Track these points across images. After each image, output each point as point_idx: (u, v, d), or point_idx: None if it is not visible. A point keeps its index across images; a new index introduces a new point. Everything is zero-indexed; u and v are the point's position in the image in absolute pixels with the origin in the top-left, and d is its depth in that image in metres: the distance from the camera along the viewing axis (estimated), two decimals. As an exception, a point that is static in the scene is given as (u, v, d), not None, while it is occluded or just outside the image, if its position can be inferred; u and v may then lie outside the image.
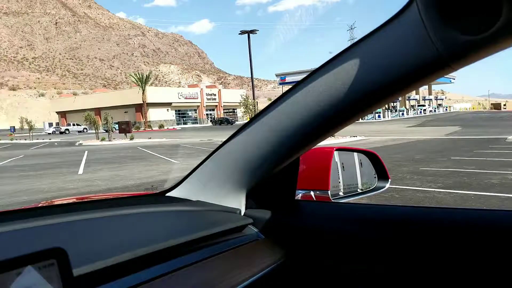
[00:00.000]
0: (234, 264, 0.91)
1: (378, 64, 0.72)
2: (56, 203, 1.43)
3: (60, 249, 0.51)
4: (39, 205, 1.39)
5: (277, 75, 48.06)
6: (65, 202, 1.54)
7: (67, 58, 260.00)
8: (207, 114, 72.38)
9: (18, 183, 10.60)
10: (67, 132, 58.88)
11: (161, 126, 56.79)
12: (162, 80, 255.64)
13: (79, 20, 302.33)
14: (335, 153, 1.48)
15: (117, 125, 36.66)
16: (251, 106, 25.11)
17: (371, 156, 1.78)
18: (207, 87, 75.35)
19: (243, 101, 25.72)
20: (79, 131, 59.33)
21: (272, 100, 0.96)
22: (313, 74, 0.83)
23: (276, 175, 1.09)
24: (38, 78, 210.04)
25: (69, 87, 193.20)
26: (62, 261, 0.51)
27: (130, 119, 50.04)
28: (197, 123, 69.79)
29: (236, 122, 65.08)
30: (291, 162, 1.05)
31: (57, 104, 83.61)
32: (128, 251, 0.75)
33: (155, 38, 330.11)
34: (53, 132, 58.59)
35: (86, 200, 1.60)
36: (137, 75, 59.23)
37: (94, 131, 36.18)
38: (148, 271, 0.76)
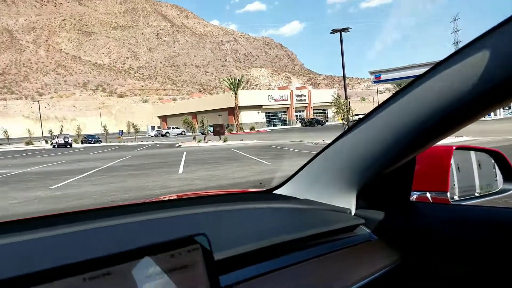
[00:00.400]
0: (346, 263, 0.90)
1: (508, 58, 0.67)
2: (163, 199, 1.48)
3: (204, 235, 0.55)
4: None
5: (371, 73, 45.62)
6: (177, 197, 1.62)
7: (167, 66, 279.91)
8: (296, 115, 72.31)
9: (126, 181, 11.56)
10: (167, 134, 63.11)
11: (252, 128, 58.13)
12: (253, 83, 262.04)
13: (177, 30, 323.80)
14: None
15: (212, 128, 38.37)
16: (343, 106, 24.37)
17: (495, 156, 1.58)
18: (296, 88, 75.33)
19: (334, 101, 25.07)
20: (178, 134, 63.16)
21: (387, 97, 0.92)
22: (434, 69, 0.78)
23: (390, 175, 1.05)
24: (142, 86, 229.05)
25: (169, 93, 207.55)
26: (205, 246, 0.55)
27: (224, 122, 52.11)
28: (287, 125, 70.10)
29: (327, 123, 63.96)
30: (407, 161, 1.00)
31: (159, 109, 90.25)
32: (247, 244, 0.79)
33: (246, 43, 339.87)
34: (155, 135, 63.22)
35: (198, 196, 1.66)
36: (230, 80, 61.40)
37: (191, 134, 38.20)
38: (266, 264, 0.79)
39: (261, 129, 59.94)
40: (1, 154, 34.37)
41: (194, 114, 64.27)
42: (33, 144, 50.28)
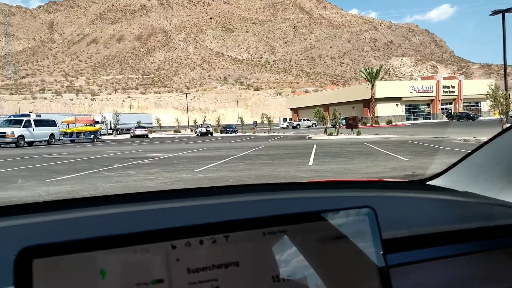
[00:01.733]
0: None
1: None
2: None
3: (371, 209, 0.57)
4: None
5: (539, 60, 38.72)
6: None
7: (301, 59, 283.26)
8: (442, 109, 65.83)
9: (259, 169, 11.86)
10: (298, 126, 63.87)
11: (389, 122, 54.98)
12: (393, 74, 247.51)
13: (314, 22, 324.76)
14: None
15: (344, 121, 37.39)
16: (501, 99, 21.04)
17: None
18: (444, 78, 68.33)
19: (490, 93, 21.81)
20: (309, 126, 63.46)
21: None
22: None
23: None
24: (277, 79, 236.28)
25: (302, 86, 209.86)
26: (372, 219, 0.57)
27: (357, 115, 50.37)
28: (430, 119, 64.45)
29: (479, 118, 56.85)
30: None
31: (291, 101, 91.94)
32: (405, 229, 0.79)
33: (387, 31, 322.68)
34: (287, 127, 64.54)
35: (342, 181, 1.41)
36: (367, 70, 58.92)
37: (322, 126, 37.86)
38: (427, 251, 0.78)
39: (399, 123, 56.33)
40: (155, 140, 39.17)
41: (326, 106, 63.60)
42: (180, 132, 56.09)
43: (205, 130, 45.44)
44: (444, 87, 65.02)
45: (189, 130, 59.33)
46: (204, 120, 57.03)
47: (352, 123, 33.47)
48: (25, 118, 29.99)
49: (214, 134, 48.47)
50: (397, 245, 0.77)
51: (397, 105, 62.38)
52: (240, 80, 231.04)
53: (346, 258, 0.55)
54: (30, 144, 29.23)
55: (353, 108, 63.62)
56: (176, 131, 56.91)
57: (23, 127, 28.76)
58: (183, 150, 21.05)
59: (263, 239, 0.53)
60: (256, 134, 44.51)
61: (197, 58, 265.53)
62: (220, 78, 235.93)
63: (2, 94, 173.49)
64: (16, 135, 27.81)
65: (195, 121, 59.57)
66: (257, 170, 11.50)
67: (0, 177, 11.15)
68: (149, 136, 47.54)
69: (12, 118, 31.58)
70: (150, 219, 0.80)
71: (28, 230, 0.78)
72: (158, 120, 65.47)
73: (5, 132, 27.75)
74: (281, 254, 0.53)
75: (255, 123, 59.92)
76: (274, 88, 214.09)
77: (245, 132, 48.84)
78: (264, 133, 45.27)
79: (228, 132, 50.37)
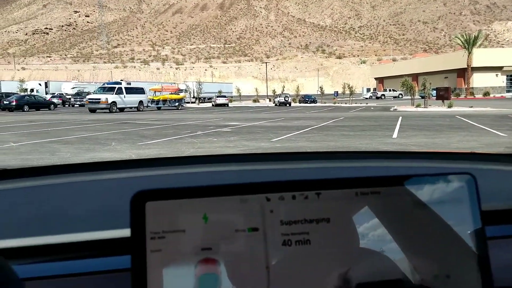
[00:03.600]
0: None
1: None
2: None
3: (470, 175, 0.56)
4: None
5: None
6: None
7: (390, 24, 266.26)
8: (551, 80, 58.36)
9: (339, 140, 11.61)
10: (382, 97, 61.02)
11: (486, 94, 50.12)
12: (494, 40, 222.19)
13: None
14: None
15: (434, 91, 34.86)
16: None
17: None
18: (554, 45, 60.06)
19: None
20: (394, 97, 60.31)
21: None
22: None
23: None
24: (362, 46, 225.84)
25: (389, 54, 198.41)
26: (472, 187, 0.56)
27: (450, 85, 46.58)
28: (535, 91, 57.59)
29: None
30: None
31: (376, 70, 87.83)
32: (497, 202, 0.77)
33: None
34: (370, 97, 62.03)
35: (432, 151, 1.39)
36: (464, 36, 53.69)
37: (409, 97, 35.77)
38: None
39: (498, 95, 51.13)
40: (235, 109, 40.08)
41: (415, 76, 59.67)
42: (259, 102, 56.59)
43: (283, 100, 45.20)
44: (557, 54, 57.16)
45: (268, 99, 59.59)
46: (283, 90, 56.75)
47: (443, 94, 31.08)
48: (117, 86, 32.32)
49: (293, 104, 48.12)
50: (493, 217, 0.73)
51: (496, 75, 56.36)
52: (322, 48, 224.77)
53: (440, 225, 0.54)
54: (121, 110, 31.54)
55: (445, 78, 58.95)
56: (255, 101, 57.50)
57: (116, 94, 31.03)
58: (261, 120, 21.24)
59: (355, 199, 0.54)
60: (337, 104, 43.44)
61: (278, 26, 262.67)
62: (301, 46, 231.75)
63: (96, 63, 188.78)
64: (109, 102, 30.13)
65: (273, 91, 59.49)
66: (336, 142, 11.24)
67: (96, 139, 12.19)
68: (229, 105, 48.67)
69: (106, 85, 34.21)
70: (248, 176, 0.88)
71: (144, 180, 0.88)
72: (238, 90, 66.38)
73: (99, 99, 30.23)
74: (372, 215, 0.54)
75: (336, 93, 58.18)
76: (358, 56, 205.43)
77: (324, 103, 47.86)
78: (345, 103, 43.96)
79: (307, 102, 49.67)
